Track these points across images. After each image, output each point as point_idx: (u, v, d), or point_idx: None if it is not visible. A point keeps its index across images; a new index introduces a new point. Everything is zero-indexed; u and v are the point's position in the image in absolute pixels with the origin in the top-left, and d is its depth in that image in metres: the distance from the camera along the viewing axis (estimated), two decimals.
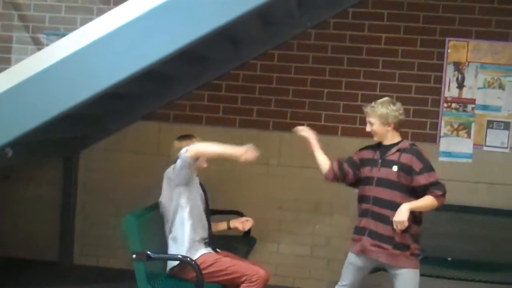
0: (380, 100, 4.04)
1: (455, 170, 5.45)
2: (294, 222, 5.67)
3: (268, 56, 5.67)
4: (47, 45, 4.76)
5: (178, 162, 4.12)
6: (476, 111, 5.46)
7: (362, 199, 4.08)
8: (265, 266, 4.28)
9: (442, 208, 5.21)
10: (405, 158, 3.90)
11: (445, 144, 5.48)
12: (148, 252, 4.02)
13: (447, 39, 5.47)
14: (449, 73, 5.47)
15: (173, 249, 4.20)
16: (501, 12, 5.39)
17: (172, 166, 4.21)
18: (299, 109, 5.64)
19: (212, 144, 4.12)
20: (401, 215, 3.79)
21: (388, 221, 3.90)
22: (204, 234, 4.33)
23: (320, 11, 5.51)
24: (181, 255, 4.15)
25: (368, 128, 4.04)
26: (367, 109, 4.04)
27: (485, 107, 5.46)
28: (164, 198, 4.22)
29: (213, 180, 5.55)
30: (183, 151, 4.10)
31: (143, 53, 3.76)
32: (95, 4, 5.61)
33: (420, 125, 5.50)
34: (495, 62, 5.44)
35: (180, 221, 4.19)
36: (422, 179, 3.86)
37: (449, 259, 5.24)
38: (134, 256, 4.00)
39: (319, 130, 5.47)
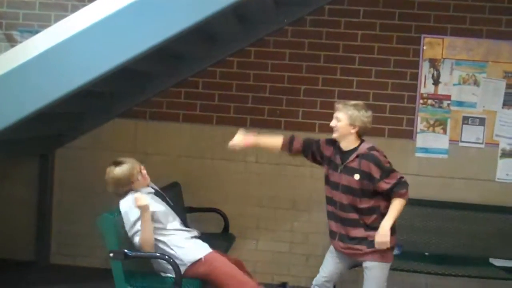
0: (355, 102, 4.06)
1: (432, 165, 5.50)
2: (272, 219, 5.67)
3: (244, 53, 5.65)
4: (21, 42, 4.71)
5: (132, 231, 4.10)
6: (452, 107, 5.51)
7: (328, 200, 4.13)
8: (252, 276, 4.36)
9: (419, 203, 5.33)
10: (364, 165, 3.91)
11: (421, 140, 5.52)
12: (126, 251, 4.00)
13: (422, 36, 5.50)
14: (425, 70, 5.51)
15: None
16: (475, 9, 5.44)
17: (125, 210, 4.13)
18: (276, 106, 5.64)
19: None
20: (384, 236, 3.87)
21: (357, 224, 3.96)
22: (188, 233, 4.35)
23: (296, 8, 5.51)
24: (159, 253, 4.14)
25: (333, 123, 4.04)
26: (340, 104, 4.05)
27: (460, 103, 5.50)
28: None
29: (191, 177, 5.57)
30: (136, 240, 4.07)
31: (118, 50, 3.74)
32: (70, 1, 5.56)
33: (396, 121, 5.54)
34: (470, 59, 5.49)
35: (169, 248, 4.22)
36: (384, 185, 3.89)
37: (426, 253, 5.29)
38: (111, 254, 3.98)
39: (297, 127, 5.58)
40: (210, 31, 5.07)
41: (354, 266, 4.24)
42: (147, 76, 5.49)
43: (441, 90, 5.51)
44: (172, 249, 4.17)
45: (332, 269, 4.18)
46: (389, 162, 3.96)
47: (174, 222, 4.29)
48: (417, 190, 5.39)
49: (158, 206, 4.24)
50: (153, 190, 4.37)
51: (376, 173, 3.88)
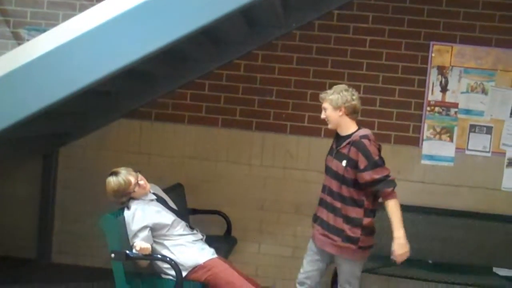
0: (334, 86, 4.04)
1: (438, 173, 5.46)
2: (275, 223, 5.64)
3: (252, 56, 5.64)
4: (28, 40, 4.70)
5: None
6: (459, 115, 5.47)
7: (322, 187, 4.09)
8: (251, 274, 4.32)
9: (424, 211, 5.30)
10: (353, 152, 3.83)
11: (427, 147, 5.49)
12: (127, 252, 3.99)
13: (431, 43, 5.47)
14: (433, 77, 5.48)
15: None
16: (485, 17, 5.41)
17: (128, 221, 4.16)
18: (282, 109, 5.62)
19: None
20: (402, 247, 3.78)
21: (339, 213, 3.89)
22: (192, 236, 4.35)
23: (305, 13, 5.49)
24: (160, 255, 4.14)
25: (322, 115, 4.03)
26: (321, 95, 4.04)
27: (467, 111, 5.47)
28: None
29: (195, 179, 5.55)
30: (135, 241, 4.07)
31: (125, 50, 3.73)
32: (78, 0, 5.55)
33: (403, 128, 5.51)
34: (479, 67, 5.45)
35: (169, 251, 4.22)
36: (366, 176, 3.78)
37: (430, 261, 5.25)
38: (112, 255, 3.96)
39: (302, 131, 5.56)
40: (218, 33, 5.06)
41: (330, 262, 4.17)
42: (153, 77, 5.48)
43: (449, 97, 5.48)
44: (173, 254, 4.16)
45: (311, 265, 4.14)
46: (379, 156, 3.84)
47: (178, 227, 4.28)
48: (422, 197, 5.41)
49: (160, 217, 4.24)
50: (154, 197, 4.35)
51: (362, 163, 3.79)
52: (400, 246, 3.78)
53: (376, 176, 3.77)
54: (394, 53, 5.50)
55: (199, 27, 3.68)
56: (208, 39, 5.12)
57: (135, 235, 4.08)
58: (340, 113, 3.94)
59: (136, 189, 4.22)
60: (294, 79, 5.61)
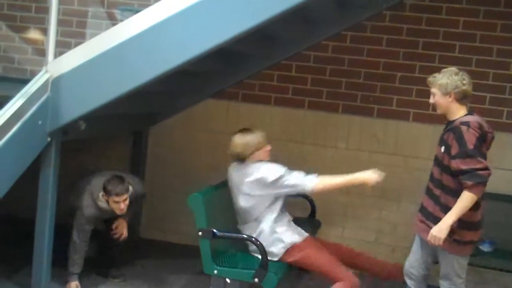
0: (444, 70, 3.84)
1: None
2: (360, 207, 5.59)
3: (340, 37, 5.56)
4: (122, 20, 4.82)
5: (291, 182, 4.18)
6: None
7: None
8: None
9: None
10: (450, 138, 3.64)
11: None
12: (214, 230, 4.05)
13: None
14: None
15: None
16: None
17: (263, 173, 4.21)
18: (370, 92, 5.53)
19: (335, 177, 4.21)
20: (439, 232, 3.58)
21: (437, 201, 3.74)
22: (287, 216, 4.43)
23: None
24: (246, 235, 4.18)
25: (430, 100, 3.85)
26: (430, 78, 3.85)
27: None
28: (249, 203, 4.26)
29: (280, 161, 5.52)
30: (307, 182, 4.13)
31: (216, 30, 3.77)
32: None
33: (496, 113, 5.28)
34: None
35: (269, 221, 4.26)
36: (453, 164, 3.58)
37: None
38: (200, 233, 4.04)
39: (390, 115, 5.47)
40: (307, 13, 5.02)
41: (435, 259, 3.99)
42: (241, 57, 5.51)
43: None
44: (278, 227, 4.23)
45: (413, 254, 4.02)
46: (476, 146, 3.57)
47: (279, 202, 4.34)
48: None
49: None
50: None
51: (454, 149, 3.59)
52: (439, 229, 3.58)
53: (463, 167, 3.55)
54: (489, 35, 5.28)
55: (292, 6, 3.66)
56: (297, 19, 5.09)
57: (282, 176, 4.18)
58: (450, 99, 3.74)
59: (261, 152, 4.32)
60: (383, 61, 5.50)
